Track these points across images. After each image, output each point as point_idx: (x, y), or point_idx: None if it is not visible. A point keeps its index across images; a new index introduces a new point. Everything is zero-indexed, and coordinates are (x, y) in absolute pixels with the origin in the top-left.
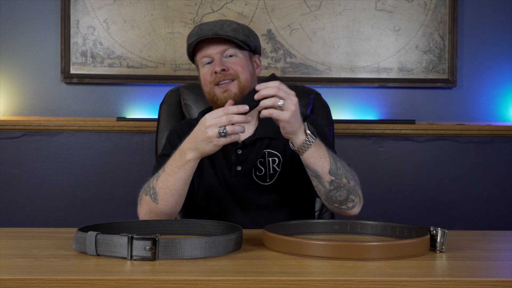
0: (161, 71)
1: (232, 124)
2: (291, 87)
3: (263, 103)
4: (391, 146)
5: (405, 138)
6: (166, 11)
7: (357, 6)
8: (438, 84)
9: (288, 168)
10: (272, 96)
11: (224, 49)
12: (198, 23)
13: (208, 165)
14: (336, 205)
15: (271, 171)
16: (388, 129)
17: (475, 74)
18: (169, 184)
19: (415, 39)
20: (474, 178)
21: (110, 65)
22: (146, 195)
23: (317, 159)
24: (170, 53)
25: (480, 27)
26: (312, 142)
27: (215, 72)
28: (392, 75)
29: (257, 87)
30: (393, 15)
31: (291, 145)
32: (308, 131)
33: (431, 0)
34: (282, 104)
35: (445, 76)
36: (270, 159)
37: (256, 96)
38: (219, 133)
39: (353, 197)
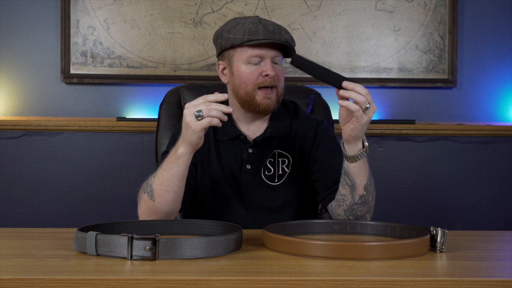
0: (161, 71)
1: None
2: (291, 87)
3: (355, 98)
4: (391, 146)
5: (405, 138)
6: (166, 11)
7: (357, 6)
8: (438, 84)
9: (297, 170)
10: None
11: (277, 55)
12: (257, 20)
13: (215, 163)
14: (352, 217)
15: (280, 172)
16: (388, 129)
17: (475, 74)
18: (164, 180)
19: (415, 39)
20: (474, 178)
21: (110, 65)
22: (144, 193)
23: (361, 170)
24: (170, 53)
25: (480, 27)
26: (366, 153)
27: (266, 75)
28: (392, 75)
29: (347, 84)
30: (393, 15)
31: (344, 150)
32: (366, 143)
33: (431, 0)
34: (369, 106)
35: (445, 76)
36: (280, 159)
37: (343, 93)
38: (195, 116)
39: (368, 216)
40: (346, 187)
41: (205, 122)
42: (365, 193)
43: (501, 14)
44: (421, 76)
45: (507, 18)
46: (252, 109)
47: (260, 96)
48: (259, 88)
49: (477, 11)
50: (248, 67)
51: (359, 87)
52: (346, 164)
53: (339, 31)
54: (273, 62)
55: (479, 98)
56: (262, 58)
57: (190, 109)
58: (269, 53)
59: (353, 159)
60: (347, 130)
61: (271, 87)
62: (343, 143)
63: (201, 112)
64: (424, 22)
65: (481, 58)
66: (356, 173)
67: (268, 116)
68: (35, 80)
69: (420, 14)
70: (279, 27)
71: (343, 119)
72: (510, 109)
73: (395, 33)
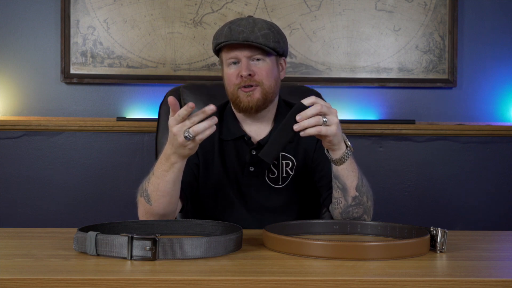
0: (161, 71)
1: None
2: (291, 87)
3: (309, 125)
4: (391, 146)
5: (405, 138)
6: (166, 11)
7: (357, 6)
8: (438, 84)
9: (300, 173)
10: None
11: (252, 54)
12: (229, 23)
13: (219, 164)
14: (348, 220)
15: (284, 174)
16: (388, 129)
17: (475, 74)
18: (159, 187)
19: (415, 39)
20: (474, 178)
21: (110, 65)
22: (141, 196)
23: (350, 172)
24: (170, 53)
25: (480, 27)
26: (350, 153)
27: (241, 76)
28: (392, 75)
29: (297, 117)
30: (393, 15)
31: (328, 155)
32: (348, 143)
33: (431, 0)
34: (326, 120)
35: (445, 76)
36: (284, 162)
37: (297, 127)
38: (185, 138)
39: (366, 217)
40: (338, 190)
41: (198, 141)
42: (357, 194)
43: (501, 14)
44: (421, 76)
45: (507, 18)
46: (238, 108)
47: (242, 94)
48: (239, 88)
49: (477, 11)
50: (229, 68)
51: (308, 111)
52: (334, 167)
53: (339, 31)
54: (255, 59)
55: (479, 98)
56: (238, 58)
57: (178, 131)
58: (242, 53)
59: (340, 161)
60: (324, 143)
61: (251, 86)
62: (326, 150)
63: (189, 133)
64: (424, 22)
65: (481, 58)
66: (345, 175)
67: (272, 118)
68: (35, 80)
69: (420, 14)
70: (253, 25)
71: (322, 137)
72: (510, 109)
73: (395, 33)
